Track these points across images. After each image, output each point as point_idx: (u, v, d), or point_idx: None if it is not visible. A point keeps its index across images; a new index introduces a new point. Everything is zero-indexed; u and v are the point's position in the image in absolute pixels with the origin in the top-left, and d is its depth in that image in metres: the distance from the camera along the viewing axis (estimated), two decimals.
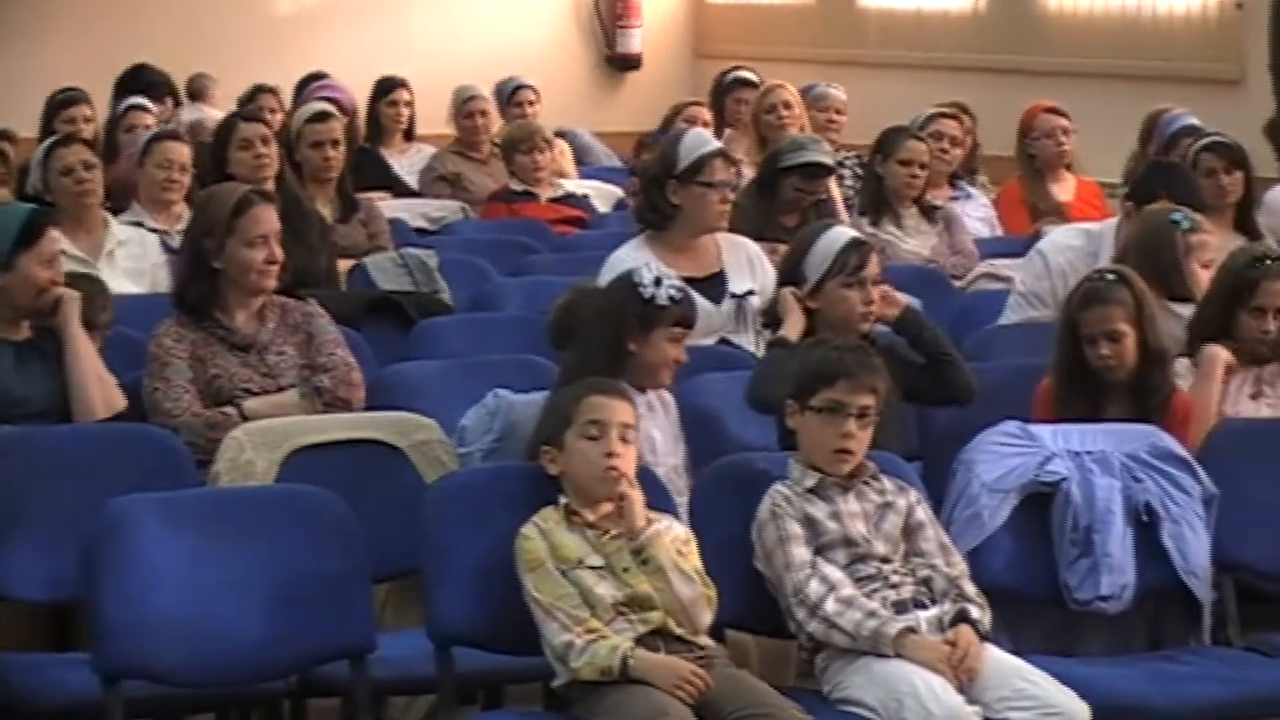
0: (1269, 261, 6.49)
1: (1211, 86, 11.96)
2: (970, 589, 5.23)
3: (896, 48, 14.64)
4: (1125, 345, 6.06)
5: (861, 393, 5.28)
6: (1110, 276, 6.22)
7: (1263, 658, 5.51)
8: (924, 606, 5.17)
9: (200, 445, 5.89)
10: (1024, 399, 6.20)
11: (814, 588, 5.12)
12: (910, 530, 5.29)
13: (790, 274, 6.39)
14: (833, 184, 9.49)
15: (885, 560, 5.22)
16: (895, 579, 5.18)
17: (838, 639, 5.10)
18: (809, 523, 5.20)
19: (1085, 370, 6.10)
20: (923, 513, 5.34)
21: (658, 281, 5.77)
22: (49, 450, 5.65)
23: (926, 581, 5.21)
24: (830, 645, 5.12)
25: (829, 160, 8.78)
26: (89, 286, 6.47)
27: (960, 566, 5.30)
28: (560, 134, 12.22)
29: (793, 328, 6.19)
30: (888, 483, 5.33)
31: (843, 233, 6.43)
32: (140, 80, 12.04)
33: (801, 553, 5.16)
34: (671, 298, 5.76)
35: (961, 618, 5.12)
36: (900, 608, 5.13)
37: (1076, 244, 7.81)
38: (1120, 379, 6.07)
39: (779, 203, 8.60)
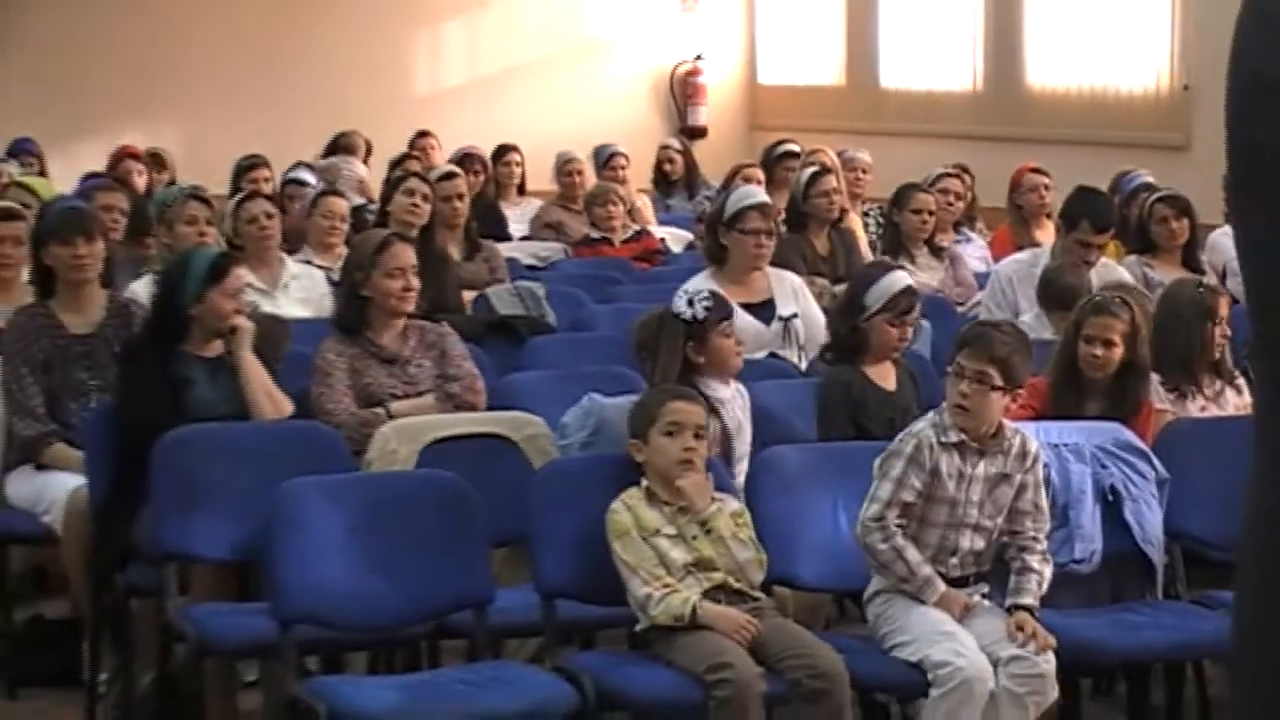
0: (1206, 288, 6.49)
1: (1164, 151, 11.91)
2: (1034, 559, 5.12)
3: (911, 120, 14.59)
4: (1113, 353, 5.99)
5: (978, 360, 5.06)
6: (1119, 298, 6.16)
7: (1205, 610, 5.46)
8: (961, 585, 5.11)
9: (355, 439, 5.90)
10: None
11: (892, 519, 5.04)
12: (1018, 492, 5.15)
13: (850, 299, 6.24)
14: (859, 228, 9.51)
15: (977, 529, 5.10)
16: (960, 555, 5.09)
17: (899, 569, 5.01)
18: (935, 473, 5.04)
19: (1077, 368, 6.05)
20: (1032, 478, 5.17)
21: (690, 302, 5.74)
22: (234, 443, 5.67)
23: (984, 559, 5.13)
24: (886, 572, 5.05)
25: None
26: (277, 328, 6.49)
27: (1044, 528, 5.18)
28: (645, 190, 12.31)
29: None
30: (1016, 448, 5.14)
31: (900, 279, 6.19)
32: (339, 145, 12.24)
33: (903, 496, 5.02)
34: (706, 308, 5.73)
35: (1017, 606, 5.03)
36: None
37: (1022, 259, 8.25)
38: (1102, 381, 6.02)
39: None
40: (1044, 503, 5.21)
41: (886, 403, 5.98)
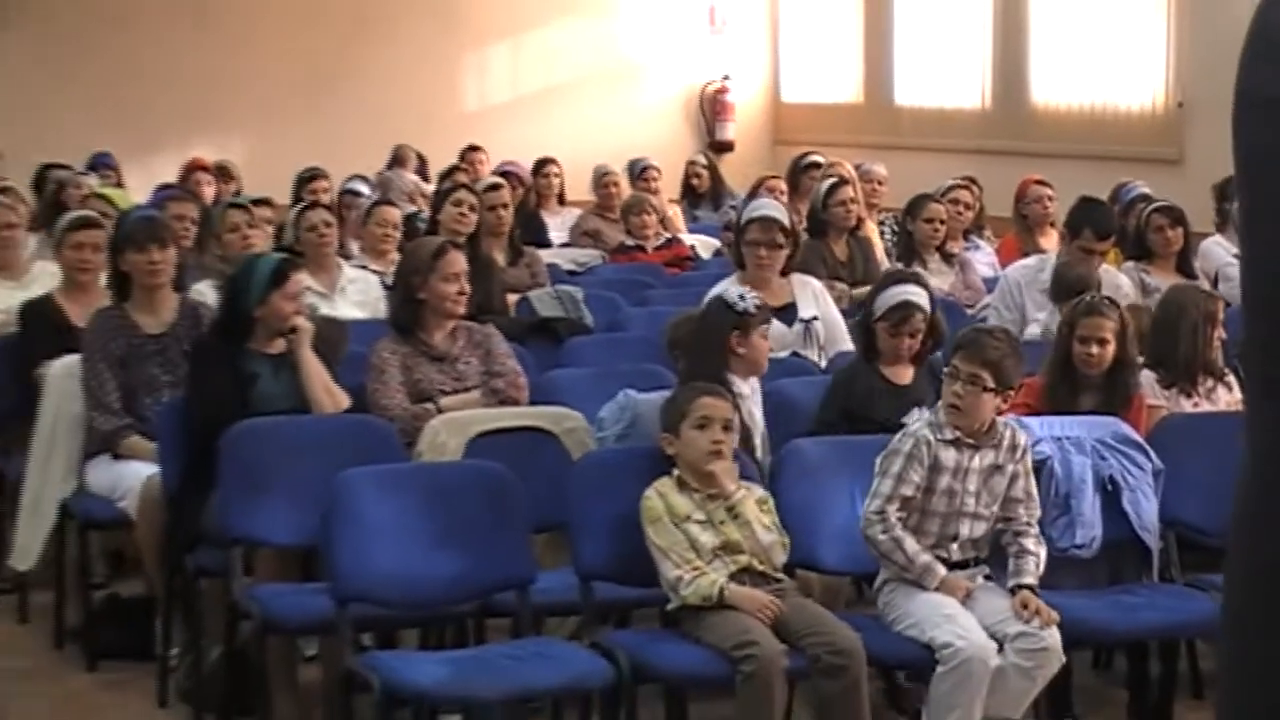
0: (1207, 293, 6.55)
1: (1159, 165, 11.88)
2: (1030, 542, 5.11)
3: (924, 136, 14.57)
4: (1106, 351, 5.97)
5: (972, 363, 5.07)
6: (1107, 300, 6.15)
7: (1197, 592, 5.45)
8: (962, 568, 5.10)
9: (407, 432, 5.90)
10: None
11: (892, 512, 5.04)
12: (1010, 481, 5.15)
13: (867, 302, 6.23)
14: (875, 236, 9.47)
15: (976, 518, 5.09)
16: (960, 541, 5.07)
17: (899, 558, 5.01)
18: (935, 466, 5.04)
19: (1072, 365, 6.03)
20: (1023, 468, 5.17)
21: (742, 297, 5.76)
22: (296, 436, 5.68)
23: (983, 545, 5.12)
24: (887, 561, 5.04)
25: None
26: (335, 328, 6.49)
27: (1036, 514, 5.17)
28: (675, 201, 12.31)
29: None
30: (1007, 440, 5.14)
31: (902, 293, 6.04)
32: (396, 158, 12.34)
33: (903, 491, 5.02)
34: (756, 305, 5.76)
35: (1020, 586, 5.02)
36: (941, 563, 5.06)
37: (1029, 264, 8.22)
38: (1095, 377, 5.99)
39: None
40: (1034, 490, 5.20)
41: (896, 397, 5.94)
